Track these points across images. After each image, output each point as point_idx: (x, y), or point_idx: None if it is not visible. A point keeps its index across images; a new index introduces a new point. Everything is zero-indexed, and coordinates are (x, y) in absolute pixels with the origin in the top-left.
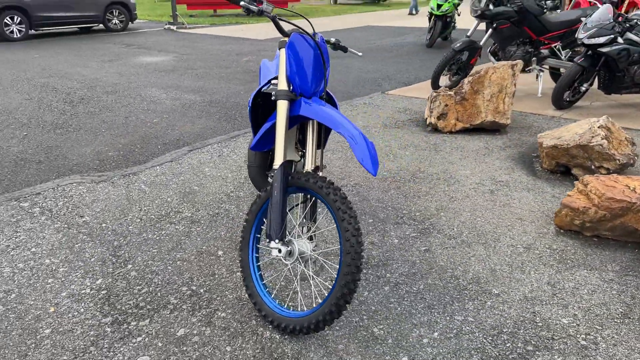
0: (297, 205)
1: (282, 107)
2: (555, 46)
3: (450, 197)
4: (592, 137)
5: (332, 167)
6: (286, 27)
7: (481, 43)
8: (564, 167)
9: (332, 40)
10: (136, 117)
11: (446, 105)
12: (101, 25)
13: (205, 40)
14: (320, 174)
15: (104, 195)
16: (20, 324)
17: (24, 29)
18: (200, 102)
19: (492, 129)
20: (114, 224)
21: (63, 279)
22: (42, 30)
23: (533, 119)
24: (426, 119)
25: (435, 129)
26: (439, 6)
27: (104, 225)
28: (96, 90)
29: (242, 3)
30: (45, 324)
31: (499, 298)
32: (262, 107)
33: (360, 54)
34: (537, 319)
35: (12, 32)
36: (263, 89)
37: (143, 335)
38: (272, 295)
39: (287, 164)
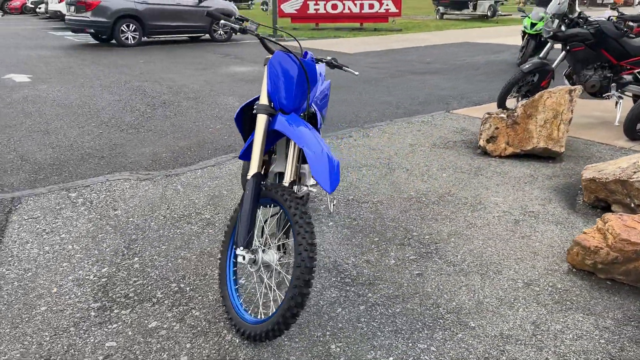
0: (272, 216)
1: (261, 121)
2: (638, 72)
3: (469, 223)
4: (635, 172)
5: (361, 183)
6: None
7: (553, 65)
8: (604, 202)
9: (326, 59)
10: (202, 123)
11: (497, 128)
12: (208, 35)
13: None
14: (306, 188)
15: (142, 192)
16: (24, 299)
17: (137, 36)
18: None
19: (545, 156)
20: (139, 219)
21: (75, 264)
22: (153, 37)
23: (597, 149)
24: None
25: (485, 153)
26: (532, 25)
27: (130, 219)
28: (179, 96)
29: (222, 22)
30: (43, 302)
31: (473, 331)
32: (253, 119)
33: (356, 73)
34: (504, 357)
35: (127, 38)
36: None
37: (119, 323)
38: (241, 300)
39: (259, 175)
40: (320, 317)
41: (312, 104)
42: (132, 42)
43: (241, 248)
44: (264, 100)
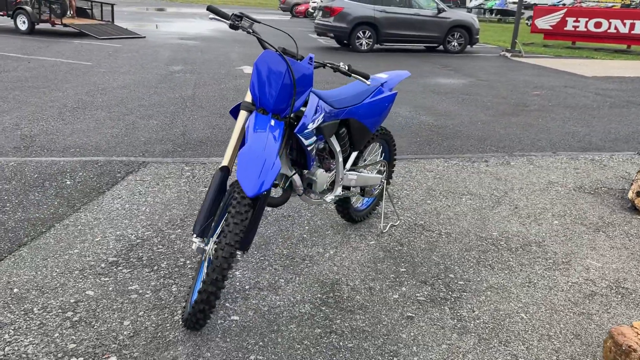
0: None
1: (240, 117)
2: None
3: (529, 281)
4: None
5: (447, 211)
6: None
7: None
8: None
9: (333, 64)
10: None
11: None
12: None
13: (523, 70)
14: (331, 197)
15: None
16: (72, 240)
17: (371, 43)
18: (426, 123)
19: None
20: None
21: (131, 224)
22: (386, 45)
23: None
24: None
25: (634, 208)
26: None
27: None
28: None
29: (211, 16)
30: (80, 247)
31: None
32: None
33: (368, 82)
34: None
35: (361, 44)
36: None
37: (111, 278)
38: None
39: (226, 169)
40: (269, 326)
41: (344, 112)
42: (365, 48)
43: (194, 235)
44: (248, 97)
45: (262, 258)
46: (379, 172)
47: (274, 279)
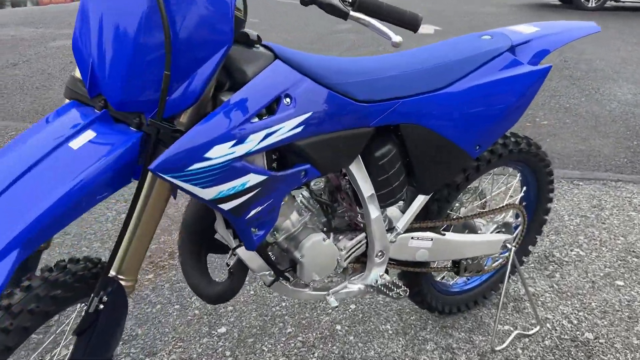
0: None
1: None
2: None
3: None
4: None
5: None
6: None
7: None
8: None
9: None
10: (534, 114)
11: None
12: None
13: None
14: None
15: None
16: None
17: None
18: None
19: None
20: None
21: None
22: (624, 3)
23: None
24: None
25: None
26: None
27: None
28: (562, 72)
29: None
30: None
31: None
32: None
33: (396, 39)
34: None
35: (588, 0)
36: None
37: None
38: None
39: None
40: None
41: (388, 110)
42: (593, 4)
43: None
44: (76, 71)
45: None
46: (504, 228)
47: None
